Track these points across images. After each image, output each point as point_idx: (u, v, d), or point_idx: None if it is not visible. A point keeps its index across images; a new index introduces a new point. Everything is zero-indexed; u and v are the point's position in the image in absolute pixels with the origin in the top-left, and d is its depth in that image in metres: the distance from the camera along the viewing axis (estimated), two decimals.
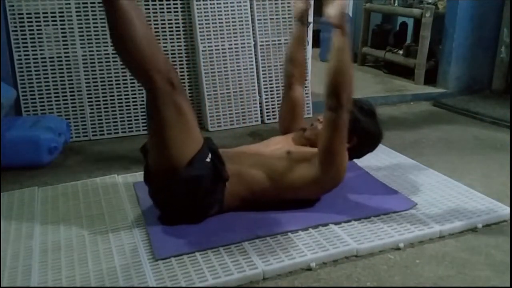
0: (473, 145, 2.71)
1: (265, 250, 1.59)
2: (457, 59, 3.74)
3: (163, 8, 2.88)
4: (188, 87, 2.99)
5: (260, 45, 3.09)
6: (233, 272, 1.48)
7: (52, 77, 2.74)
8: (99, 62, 2.80)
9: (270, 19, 3.10)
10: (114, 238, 1.69)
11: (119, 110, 2.85)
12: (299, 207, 1.84)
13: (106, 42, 2.80)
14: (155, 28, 2.88)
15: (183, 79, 2.96)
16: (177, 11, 2.92)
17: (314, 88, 3.42)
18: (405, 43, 4.31)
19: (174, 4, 2.90)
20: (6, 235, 1.72)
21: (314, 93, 3.38)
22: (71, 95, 2.78)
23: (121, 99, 2.85)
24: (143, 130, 2.90)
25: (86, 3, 2.75)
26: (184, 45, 2.94)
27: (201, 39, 2.93)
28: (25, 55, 2.69)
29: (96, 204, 1.95)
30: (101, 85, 2.81)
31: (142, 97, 2.88)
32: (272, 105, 3.16)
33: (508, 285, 1.47)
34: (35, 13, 2.68)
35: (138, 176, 2.21)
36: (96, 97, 2.81)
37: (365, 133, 1.94)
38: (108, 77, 2.82)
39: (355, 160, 2.34)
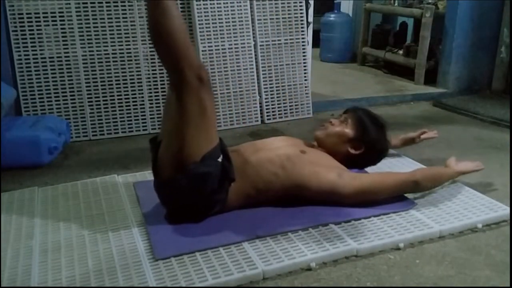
0: (473, 145, 2.71)
1: (265, 250, 1.59)
2: (457, 59, 3.74)
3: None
4: None
5: (260, 45, 3.09)
6: (233, 272, 1.48)
7: (52, 77, 2.74)
8: (99, 62, 2.80)
9: (270, 19, 3.11)
10: (114, 238, 1.69)
11: (119, 110, 2.85)
12: (299, 207, 1.84)
13: (106, 42, 2.80)
14: None
15: None
16: None
17: (314, 88, 3.42)
18: (405, 43, 4.32)
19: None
20: (6, 235, 1.72)
21: (314, 93, 3.38)
22: (71, 95, 2.78)
23: (121, 99, 2.85)
24: (143, 130, 2.90)
25: (86, 3, 2.75)
26: None
27: (201, 39, 2.93)
28: (25, 55, 2.70)
29: (96, 204, 1.95)
30: (101, 85, 2.81)
31: (142, 97, 2.89)
32: (272, 105, 3.16)
33: (508, 285, 1.47)
34: (35, 13, 2.69)
35: (138, 176, 2.21)
36: (96, 97, 2.81)
37: (373, 145, 2.00)
38: (108, 77, 2.82)
39: None
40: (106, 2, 2.78)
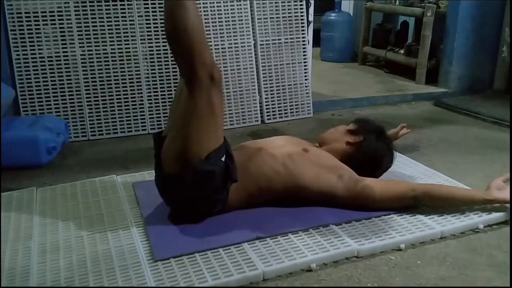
0: (475, 145, 2.70)
1: (265, 251, 1.58)
2: (459, 59, 3.72)
3: (162, 7, 2.87)
4: None
5: (260, 45, 3.08)
6: (233, 273, 1.47)
7: (51, 77, 2.74)
8: (98, 62, 2.79)
9: (270, 18, 3.10)
10: (113, 238, 1.68)
11: (118, 110, 2.84)
12: (300, 207, 1.83)
13: (105, 42, 2.79)
14: (155, 27, 2.87)
15: None
16: None
17: (314, 87, 3.41)
18: (406, 43, 4.30)
19: None
20: (5, 236, 1.71)
21: (314, 93, 3.37)
22: (69, 95, 2.77)
23: (120, 99, 2.84)
24: (142, 130, 2.89)
25: (85, 2, 2.74)
26: None
27: None
28: (23, 54, 2.69)
29: (95, 204, 1.94)
30: (100, 85, 2.80)
31: (141, 97, 2.88)
32: (272, 105, 3.15)
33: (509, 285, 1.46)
34: (34, 13, 2.68)
35: (137, 176, 2.20)
36: (95, 97, 2.80)
37: (370, 140, 1.97)
38: (107, 77, 2.81)
39: None
40: (105, 2, 2.77)
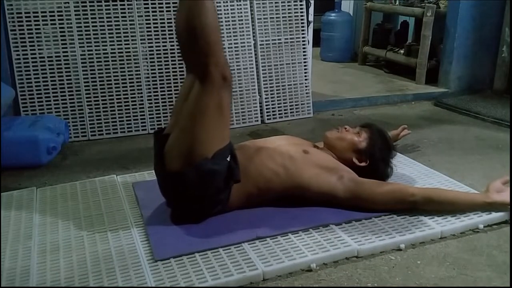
0: (475, 145, 2.69)
1: (265, 251, 1.58)
2: (459, 59, 3.72)
3: (162, 7, 2.87)
4: None
5: (260, 45, 3.08)
6: (233, 273, 1.47)
7: (51, 77, 2.73)
8: (98, 62, 2.79)
9: (270, 18, 3.09)
10: (113, 238, 1.68)
11: (118, 110, 2.84)
12: (300, 208, 1.83)
13: (105, 42, 2.79)
14: (155, 27, 2.87)
15: (183, 78, 2.95)
16: (176, 10, 2.90)
17: (314, 87, 3.41)
18: (406, 42, 4.30)
19: (173, 3, 2.88)
20: (5, 236, 1.71)
21: (314, 93, 3.37)
22: (69, 95, 2.77)
23: (120, 99, 2.84)
24: (142, 130, 2.89)
25: (85, 2, 2.74)
26: None
27: None
28: (23, 54, 2.69)
29: (95, 204, 1.94)
30: (100, 85, 2.80)
31: (141, 97, 2.88)
32: (272, 104, 3.15)
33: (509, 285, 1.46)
34: (34, 13, 2.68)
35: (137, 176, 2.20)
36: (95, 97, 2.80)
37: (376, 165, 1.96)
38: (107, 77, 2.81)
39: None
40: (105, 1, 2.77)
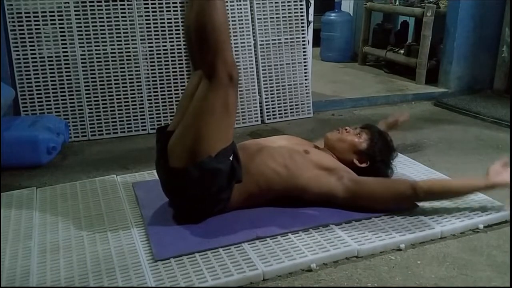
0: (475, 145, 2.69)
1: (265, 251, 1.58)
2: (459, 59, 3.72)
3: (162, 7, 2.87)
4: None
5: (260, 45, 3.08)
6: (233, 273, 1.47)
7: (51, 77, 2.73)
8: (98, 62, 2.79)
9: (270, 18, 3.09)
10: (113, 238, 1.68)
11: (118, 110, 2.84)
12: (300, 208, 1.83)
13: (105, 42, 2.79)
14: (155, 27, 2.87)
15: (183, 78, 2.95)
16: (176, 10, 2.91)
17: (314, 87, 3.41)
18: (406, 42, 4.30)
19: (173, 3, 2.88)
20: (5, 236, 1.71)
21: (314, 93, 3.37)
22: (69, 95, 2.77)
23: (120, 99, 2.84)
24: (142, 130, 2.89)
25: (85, 2, 2.74)
26: (184, 44, 2.93)
27: None
28: (23, 54, 2.69)
29: (95, 204, 1.94)
30: (100, 85, 2.80)
31: (141, 97, 2.88)
32: (272, 104, 3.15)
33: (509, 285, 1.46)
34: (34, 12, 2.68)
35: (137, 176, 2.20)
36: (95, 97, 2.80)
37: (376, 166, 1.97)
38: (107, 76, 2.81)
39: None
40: (105, 1, 2.77)
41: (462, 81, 3.78)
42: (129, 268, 1.50)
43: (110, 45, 2.80)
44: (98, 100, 2.81)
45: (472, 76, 3.79)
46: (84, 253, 1.59)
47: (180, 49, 2.93)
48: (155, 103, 2.91)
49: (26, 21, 2.67)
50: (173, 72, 2.92)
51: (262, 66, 3.10)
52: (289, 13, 3.14)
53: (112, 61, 2.81)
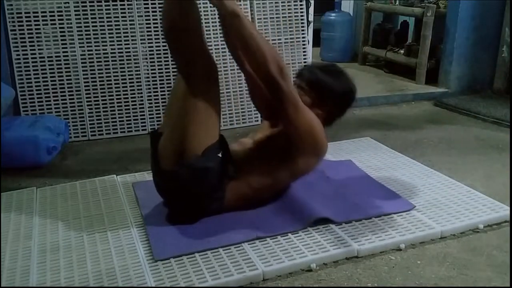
0: (475, 145, 2.69)
1: (265, 251, 1.58)
2: (459, 59, 3.72)
3: (162, 7, 2.86)
4: None
5: None
6: (233, 273, 1.47)
7: (51, 77, 2.73)
8: (97, 62, 2.79)
9: (270, 18, 3.09)
10: (113, 238, 1.68)
11: (118, 110, 2.84)
12: (299, 208, 1.83)
13: (105, 42, 2.79)
14: (155, 27, 2.87)
15: None
16: None
17: None
18: (406, 43, 4.30)
19: None
20: (5, 236, 1.71)
21: None
22: (69, 95, 2.77)
23: (120, 99, 2.84)
24: (142, 130, 2.89)
25: (85, 2, 2.74)
26: None
27: None
28: (23, 54, 2.69)
29: (95, 204, 1.94)
30: (100, 85, 2.80)
31: (141, 97, 2.88)
32: None
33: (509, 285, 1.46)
34: (34, 13, 2.68)
35: (137, 176, 2.20)
36: (95, 97, 2.80)
37: (338, 97, 1.87)
38: (107, 77, 2.81)
39: (354, 161, 2.34)
40: (105, 1, 2.77)
41: (462, 81, 3.78)
42: (129, 268, 1.50)
43: (110, 45, 2.80)
44: (98, 100, 2.81)
45: (472, 76, 3.79)
46: (84, 253, 1.59)
47: None
48: (155, 103, 2.91)
49: (26, 21, 2.67)
50: (173, 72, 2.92)
51: None
52: (289, 13, 3.14)
53: (112, 61, 2.81)
